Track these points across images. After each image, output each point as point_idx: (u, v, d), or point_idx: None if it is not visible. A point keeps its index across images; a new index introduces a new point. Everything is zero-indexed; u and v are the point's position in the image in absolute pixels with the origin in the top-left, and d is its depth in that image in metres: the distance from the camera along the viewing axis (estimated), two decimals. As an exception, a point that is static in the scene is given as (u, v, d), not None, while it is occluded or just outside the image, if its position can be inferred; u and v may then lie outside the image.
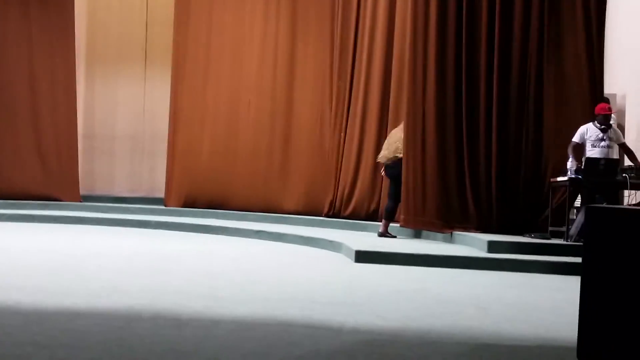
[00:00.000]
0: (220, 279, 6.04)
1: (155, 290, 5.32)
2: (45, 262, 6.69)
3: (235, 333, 4.02)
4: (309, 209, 11.42)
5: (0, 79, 12.15)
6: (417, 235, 9.37)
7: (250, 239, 9.79)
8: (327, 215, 11.23)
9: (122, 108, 13.25)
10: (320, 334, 4.07)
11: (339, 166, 11.29)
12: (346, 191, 11.13)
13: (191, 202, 12.02)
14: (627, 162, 8.29)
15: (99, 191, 13.07)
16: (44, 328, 3.90)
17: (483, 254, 7.73)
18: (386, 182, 9.97)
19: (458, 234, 8.76)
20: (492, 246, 7.80)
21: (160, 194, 12.62)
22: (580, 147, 8.32)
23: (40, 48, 12.33)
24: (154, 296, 5.03)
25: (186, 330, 4.01)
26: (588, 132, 8.29)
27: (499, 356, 3.80)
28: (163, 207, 12.09)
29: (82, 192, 12.57)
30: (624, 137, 8.49)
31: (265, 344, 3.79)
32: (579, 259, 3.73)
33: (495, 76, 8.98)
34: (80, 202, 12.33)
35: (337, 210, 11.19)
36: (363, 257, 7.52)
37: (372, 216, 10.80)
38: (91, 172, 13.01)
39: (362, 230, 10.31)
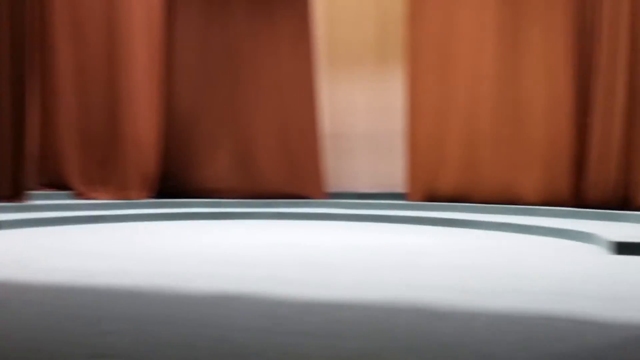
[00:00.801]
0: (471, 272, 6.03)
1: (407, 283, 5.44)
2: (300, 256, 7.09)
3: (494, 326, 4.00)
4: (552, 199, 11.01)
5: (249, 83, 12.99)
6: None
7: (494, 232, 9.64)
8: (573, 205, 10.75)
9: (360, 106, 13.66)
10: (585, 329, 3.92)
11: (583, 153, 10.76)
12: (592, 179, 10.58)
13: (432, 196, 12.09)
14: None
15: (344, 188, 13.56)
16: (312, 319, 4.15)
17: None
18: None
19: None
20: None
21: (401, 189, 12.83)
22: None
23: (284, 51, 13.06)
24: (408, 289, 5.14)
25: (445, 322, 4.07)
26: None
27: None
28: (405, 202, 12.28)
29: (329, 189, 13.14)
30: None
31: (527, 337, 3.74)
32: None
33: None
34: (327, 199, 12.90)
35: (584, 200, 10.66)
36: (621, 248, 7.11)
37: (624, 204, 10.16)
38: (336, 170, 13.55)
39: (613, 220, 9.74)
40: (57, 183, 12.17)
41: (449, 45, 12.04)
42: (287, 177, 12.96)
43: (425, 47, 12.19)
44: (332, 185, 13.38)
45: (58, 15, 12.11)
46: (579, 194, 10.79)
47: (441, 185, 12.04)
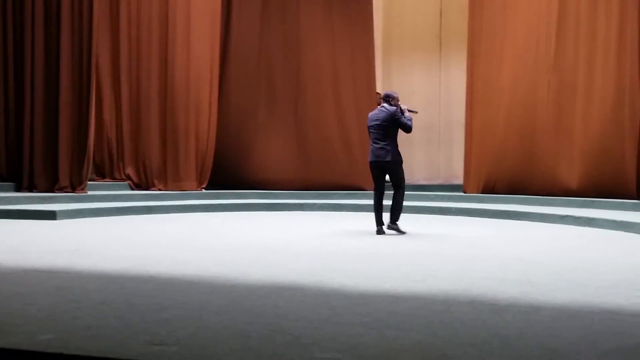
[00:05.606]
0: (532, 265, 5.89)
1: (467, 275, 5.34)
2: (355, 247, 7.04)
3: (558, 320, 3.89)
4: (618, 192, 10.70)
5: (307, 74, 12.92)
6: None
7: (555, 225, 9.43)
8: (637, 198, 10.44)
9: (418, 98, 13.49)
10: (654, 324, 3.78)
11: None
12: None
13: (490, 188, 11.89)
14: None
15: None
16: (369, 310, 4.10)
17: None
18: None
19: None
20: None
21: (458, 181, 12.65)
22: None
23: (341, 43, 12.93)
24: (468, 281, 5.05)
25: (506, 315, 3.97)
26: None
27: None
28: (462, 194, 12.11)
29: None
30: None
31: (591, 332, 3.62)
32: None
33: None
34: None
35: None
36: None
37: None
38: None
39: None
40: (114, 174, 12.38)
41: (509, 36, 11.76)
42: (344, 168, 12.86)
43: (485, 38, 11.92)
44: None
45: (115, 12, 12.31)
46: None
47: (499, 177, 11.83)
